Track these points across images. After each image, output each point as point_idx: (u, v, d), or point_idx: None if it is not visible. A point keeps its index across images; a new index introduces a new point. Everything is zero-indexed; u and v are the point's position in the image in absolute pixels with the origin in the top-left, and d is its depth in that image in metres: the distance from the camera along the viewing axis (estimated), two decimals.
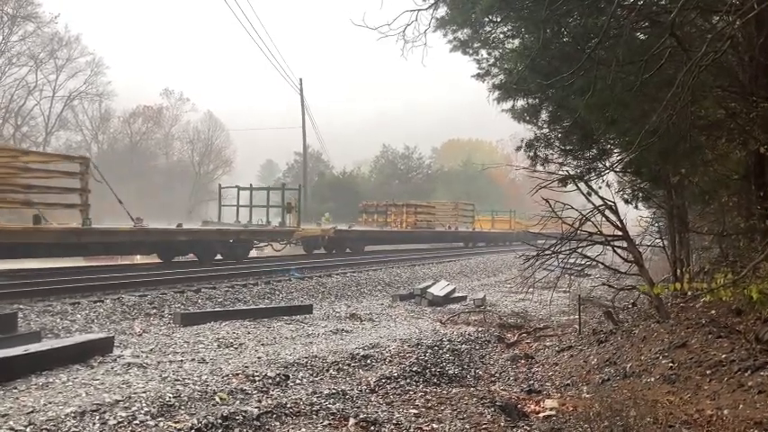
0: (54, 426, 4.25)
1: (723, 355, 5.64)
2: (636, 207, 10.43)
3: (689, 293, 8.68)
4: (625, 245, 8.56)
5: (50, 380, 5.62)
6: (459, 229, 37.41)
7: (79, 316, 9.22)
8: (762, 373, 5.03)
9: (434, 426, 4.92)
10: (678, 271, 9.40)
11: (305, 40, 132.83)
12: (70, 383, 5.51)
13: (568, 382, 6.51)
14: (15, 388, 5.32)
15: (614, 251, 8.80)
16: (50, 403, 4.78)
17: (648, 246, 10.89)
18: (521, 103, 9.66)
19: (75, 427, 4.28)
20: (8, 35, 45.63)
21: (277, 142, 67.34)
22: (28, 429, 4.15)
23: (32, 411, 4.56)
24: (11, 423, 4.25)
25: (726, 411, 4.68)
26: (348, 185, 54.20)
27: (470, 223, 39.81)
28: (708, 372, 5.50)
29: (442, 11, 8.33)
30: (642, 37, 7.42)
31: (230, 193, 25.12)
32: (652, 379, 5.81)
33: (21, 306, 9.22)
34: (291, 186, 29.97)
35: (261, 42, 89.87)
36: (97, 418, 4.46)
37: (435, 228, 35.59)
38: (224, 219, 23.09)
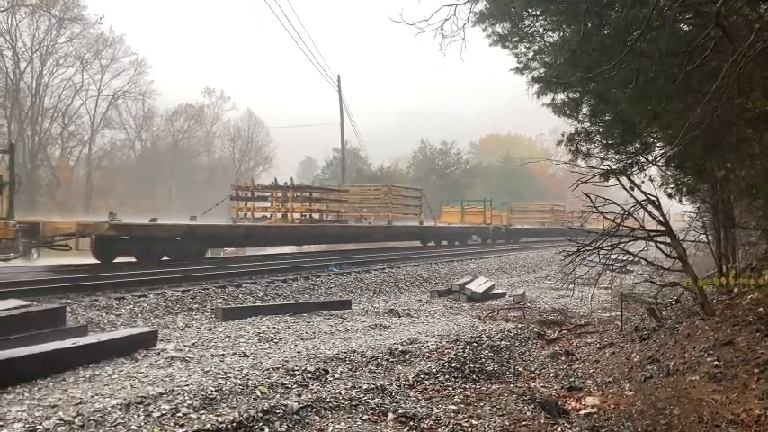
0: (101, 417, 4.36)
1: None
2: (679, 202, 10.21)
3: (735, 290, 8.49)
4: (668, 240, 8.39)
5: (97, 372, 5.76)
6: (393, 223, 27.34)
7: (124, 310, 9.43)
8: None
9: (473, 422, 4.91)
10: (723, 267, 9.19)
11: (340, 39, 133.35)
12: (116, 376, 5.64)
13: (610, 379, 6.42)
14: (64, 380, 5.48)
15: (657, 247, 8.63)
16: (97, 395, 4.91)
17: (692, 241, 10.64)
18: (561, 96, 9.55)
19: (121, 418, 4.38)
20: (56, 37, 47.06)
21: (316, 139, 68.00)
22: (76, 420, 4.26)
23: (80, 402, 4.69)
24: (60, 414, 4.38)
25: None
26: (386, 182, 54.21)
27: (418, 215, 30.33)
28: (755, 370, 5.37)
29: (481, 5, 8.29)
30: (686, 28, 7.26)
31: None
32: (697, 377, 5.69)
33: (68, 301, 9.46)
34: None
35: (299, 40, 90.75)
36: (142, 410, 4.56)
37: (355, 221, 27.01)
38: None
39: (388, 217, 27.81)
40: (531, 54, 9.37)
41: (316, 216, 23.54)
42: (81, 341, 6.42)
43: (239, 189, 23.39)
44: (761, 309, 7.21)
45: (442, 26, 7.07)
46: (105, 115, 53.73)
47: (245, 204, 23.22)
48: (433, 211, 31.39)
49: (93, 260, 15.10)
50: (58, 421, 4.22)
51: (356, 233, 25.34)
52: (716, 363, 5.79)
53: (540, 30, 8.93)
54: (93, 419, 4.30)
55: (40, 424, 4.17)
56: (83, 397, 4.85)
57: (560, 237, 38.02)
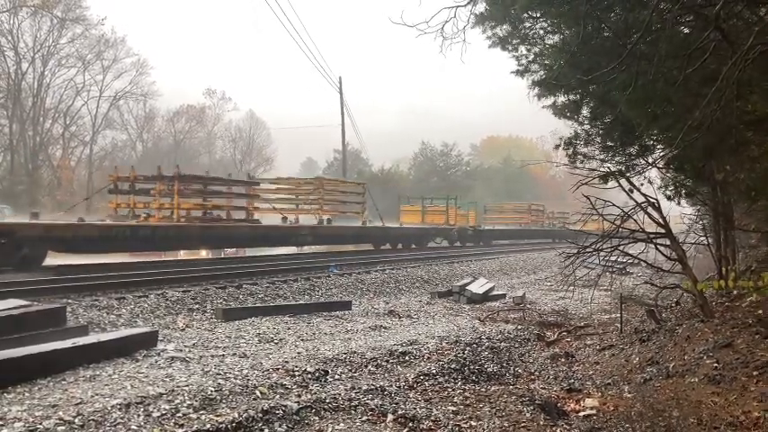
0: (101, 417, 4.37)
1: None
2: (679, 204, 10.23)
3: (735, 292, 8.49)
4: (668, 242, 8.40)
5: (97, 372, 5.78)
6: (328, 222, 23.25)
7: (125, 311, 9.43)
8: None
9: (473, 423, 4.92)
10: (723, 269, 9.20)
11: (341, 39, 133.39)
12: (116, 376, 5.66)
13: (609, 381, 6.42)
14: (64, 380, 5.49)
15: (657, 249, 8.65)
16: (97, 395, 4.92)
17: (692, 243, 10.65)
18: (561, 99, 9.56)
19: (121, 418, 4.40)
20: (57, 38, 47.13)
21: (318, 140, 68.04)
22: (76, 420, 4.27)
23: (80, 402, 4.70)
24: (60, 413, 4.40)
25: None
26: (387, 183, 54.15)
27: (360, 213, 25.55)
28: (755, 373, 5.38)
29: (481, 7, 8.29)
30: (685, 31, 7.27)
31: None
32: (696, 379, 5.70)
33: (69, 301, 9.45)
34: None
35: (301, 41, 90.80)
36: (141, 410, 4.58)
37: (281, 221, 21.71)
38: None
39: (318, 215, 23.18)
40: (531, 56, 9.39)
41: (222, 214, 19.81)
42: (81, 341, 6.43)
43: (118, 180, 18.87)
44: (760, 311, 7.22)
45: (442, 28, 7.08)
46: (107, 116, 53.74)
47: (130, 198, 18.74)
48: (380, 210, 26.92)
49: None
50: (58, 421, 4.24)
51: (272, 234, 21.09)
52: (715, 365, 5.81)
53: (540, 32, 8.95)
54: (93, 419, 4.31)
55: (41, 424, 4.18)
56: (83, 397, 4.87)
57: (539, 239, 37.57)
